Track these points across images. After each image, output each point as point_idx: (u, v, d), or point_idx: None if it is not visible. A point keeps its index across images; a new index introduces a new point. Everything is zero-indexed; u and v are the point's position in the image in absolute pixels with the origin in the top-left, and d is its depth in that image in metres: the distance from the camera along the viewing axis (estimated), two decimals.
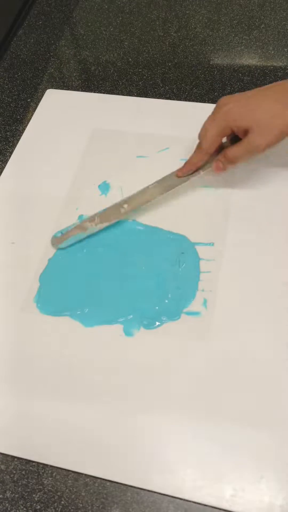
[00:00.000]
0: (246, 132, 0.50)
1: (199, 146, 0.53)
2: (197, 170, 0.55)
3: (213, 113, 0.53)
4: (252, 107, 0.50)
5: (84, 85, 0.72)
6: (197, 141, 0.54)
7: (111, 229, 0.55)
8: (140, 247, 0.54)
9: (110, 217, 0.55)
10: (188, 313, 0.49)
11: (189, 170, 0.55)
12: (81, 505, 0.40)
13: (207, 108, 0.65)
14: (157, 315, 0.48)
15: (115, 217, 0.55)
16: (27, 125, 0.67)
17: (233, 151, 0.52)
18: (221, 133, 0.52)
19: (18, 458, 0.43)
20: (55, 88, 0.71)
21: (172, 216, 0.56)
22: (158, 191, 0.55)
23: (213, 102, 0.66)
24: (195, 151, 0.54)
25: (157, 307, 0.49)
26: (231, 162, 0.53)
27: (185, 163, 0.55)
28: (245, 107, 0.50)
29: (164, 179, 0.56)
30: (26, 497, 0.41)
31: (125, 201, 0.55)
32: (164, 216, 0.56)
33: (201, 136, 0.53)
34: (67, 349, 0.47)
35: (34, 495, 0.41)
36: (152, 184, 0.55)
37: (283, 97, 0.50)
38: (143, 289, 0.50)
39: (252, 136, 0.50)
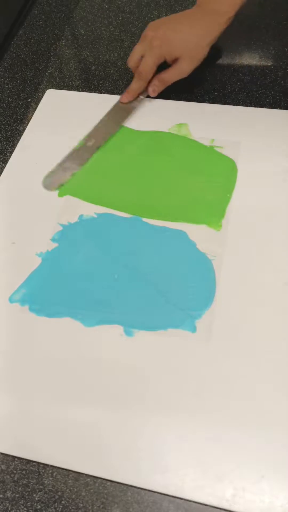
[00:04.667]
0: (176, 59, 0.61)
1: (138, 75, 0.63)
2: (137, 96, 0.65)
3: (146, 42, 0.62)
4: (181, 38, 0.61)
5: (84, 85, 0.72)
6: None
7: (112, 227, 0.55)
8: (143, 246, 0.54)
9: (83, 156, 0.61)
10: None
11: (132, 97, 0.64)
12: (81, 505, 0.40)
13: (207, 108, 0.66)
14: (160, 323, 0.48)
15: (88, 155, 0.61)
16: (27, 125, 0.67)
17: (166, 75, 0.63)
18: (157, 62, 0.62)
19: (19, 458, 0.43)
20: (55, 88, 0.71)
21: (172, 215, 0.56)
22: (113, 125, 0.63)
23: (213, 102, 0.67)
24: (134, 80, 0.64)
25: (161, 314, 0.49)
26: (164, 84, 0.64)
27: (126, 91, 0.64)
28: (175, 38, 0.61)
29: (111, 112, 0.64)
30: (27, 497, 0.41)
31: (89, 138, 0.62)
32: (164, 215, 0.56)
33: (141, 66, 0.62)
34: (67, 349, 0.47)
35: (34, 495, 0.41)
36: (104, 119, 0.63)
37: (202, 24, 0.62)
38: (145, 290, 0.50)
39: (182, 63, 0.62)
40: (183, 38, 0.61)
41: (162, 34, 0.61)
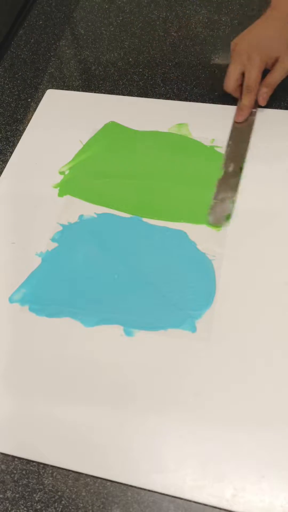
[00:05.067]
0: (276, 59, 0.61)
1: (247, 90, 0.62)
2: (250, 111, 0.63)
3: (242, 58, 0.61)
4: (272, 38, 0.61)
5: (84, 85, 0.72)
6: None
7: (112, 227, 0.55)
8: (143, 246, 0.54)
9: (231, 182, 0.58)
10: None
11: (247, 114, 0.63)
12: (81, 505, 0.40)
13: (208, 108, 0.66)
14: (160, 323, 0.48)
15: (236, 179, 0.58)
16: (27, 125, 0.67)
17: (273, 79, 0.62)
18: (261, 71, 0.61)
19: (19, 458, 0.43)
20: (55, 88, 0.71)
21: (172, 215, 0.56)
22: (242, 145, 0.61)
23: (213, 102, 0.67)
24: (244, 96, 0.62)
25: (161, 314, 0.49)
26: (272, 88, 0.62)
27: (240, 109, 0.63)
28: (267, 41, 0.62)
29: (233, 134, 0.62)
30: (27, 497, 0.41)
31: (226, 164, 0.59)
32: (164, 215, 0.56)
33: (248, 80, 0.61)
34: (67, 349, 0.47)
35: (34, 495, 0.41)
36: (230, 143, 0.61)
37: (282, 22, 0.62)
38: (145, 290, 0.50)
39: (284, 60, 0.61)
40: (275, 37, 0.61)
41: (254, 43, 0.62)
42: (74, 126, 0.65)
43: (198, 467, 0.41)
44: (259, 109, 0.64)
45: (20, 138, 0.65)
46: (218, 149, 0.60)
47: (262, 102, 0.63)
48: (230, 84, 0.63)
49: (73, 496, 0.41)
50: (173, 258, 0.52)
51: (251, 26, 0.64)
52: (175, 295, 0.50)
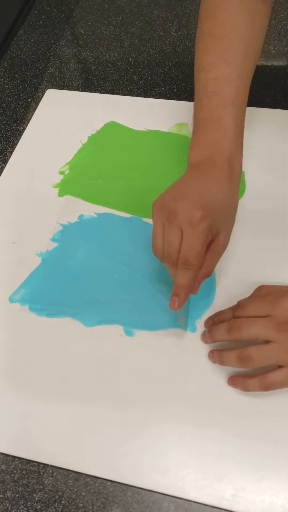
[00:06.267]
0: (217, 235, 0.44)
1: (185, 264, 0.42)
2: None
3: (170, 216, 0.42)
4: (218, 207, 0.43)
5: (84, 85, 0.72)
6: None
7: (112, 227, 0.55)
8: (143, 246, 0.54)
9: None
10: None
11: (186, 296, 0.43)
12: (81, 504, 0.40)
13: None
14: (160, 323, 0.48)
15: None
16: (27, 125, 0.67)
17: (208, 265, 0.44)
18: (205, 242, 0.42)
19: (19, 458, 0.43)
20: (55, 88, 0.71)
21: None
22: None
23: None
24: (181, 272, 0.42)
25: (161, 314, 0.48)
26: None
27: (175, 292, 0.43)
28: (216, 211, 0.42)
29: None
30: (27, 496, 0.41)
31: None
32: None
33: (185, 250, 0.42)
34: (67, 349, 0.47)
35: (34, 495, 0.41)
36: None
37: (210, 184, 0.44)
38: (145, 290, 0.50)
39: (223, 237, 0.44)
40: (220, 207, 0.43)
41: (198, 209, 0.42)
42: (74, 126, 0.65)
43: (198, 467, 0.41)
44: (259, 108, 0.64)
45: (20, 138, 0.65)
46: None
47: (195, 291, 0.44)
48: (157, 250, 0.45)
49: (73, 496, 0.41)
50: None
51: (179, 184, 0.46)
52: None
